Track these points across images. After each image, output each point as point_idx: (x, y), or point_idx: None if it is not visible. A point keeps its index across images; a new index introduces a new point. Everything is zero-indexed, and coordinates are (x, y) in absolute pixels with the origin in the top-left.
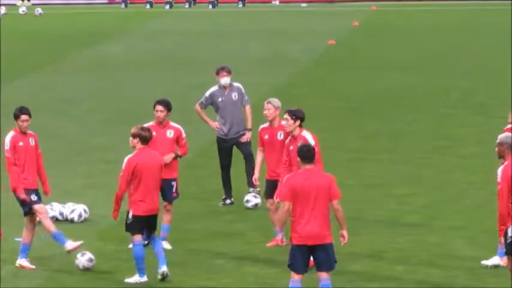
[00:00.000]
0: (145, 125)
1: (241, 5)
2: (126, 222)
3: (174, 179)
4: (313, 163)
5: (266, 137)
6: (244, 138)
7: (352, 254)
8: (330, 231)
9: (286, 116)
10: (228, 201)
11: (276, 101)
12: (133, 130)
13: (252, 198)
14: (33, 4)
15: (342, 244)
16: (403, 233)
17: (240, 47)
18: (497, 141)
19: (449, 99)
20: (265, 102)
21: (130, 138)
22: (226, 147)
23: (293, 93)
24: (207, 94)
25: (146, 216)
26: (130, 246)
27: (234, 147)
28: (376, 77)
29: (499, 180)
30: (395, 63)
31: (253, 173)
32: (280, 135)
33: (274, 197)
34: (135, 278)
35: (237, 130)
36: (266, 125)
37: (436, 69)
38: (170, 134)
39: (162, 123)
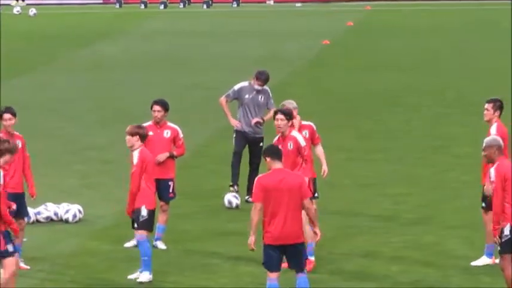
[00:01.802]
0: (146, 124)
1: (235, 5)
2: (138, 219)
3: (171, 179)
4: (281, 162)
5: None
6: (253, 121)
7: (346, 253)
8: (302, 231)
9: (279, 115)
10: (236, 188)
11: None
12: (131, 129)
13: (233, 199)
14: (27, 4)
15: (316, 240)
16: (398, 233)
17: (235, 47)
18: (485, 145)
19: (445, 99)
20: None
21: (128, 137)
22: (243, 137)
23: (288, 92)
24: (235, 87)
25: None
26: (128, 245)
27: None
28: (371, 77)
29: (492, 179)
30: (390, 63)
31: None
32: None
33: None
34: (147, 277)
35: (254, 130)
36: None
37: (431, 69)
38: (167, 134)
39: (159, 124)
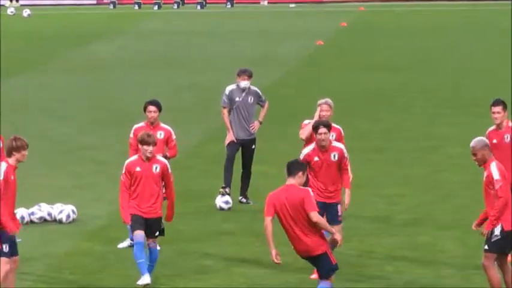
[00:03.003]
0: (136, 126)
1: (229, 6)
2: (162, 229)
3: None
4: (293, 177)
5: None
6: (253, 128)
7: (341, 253)
8: (321, 241)
9: (322, 129)
10: (227, 190)
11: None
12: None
13: (224, 205)
14: (21, 5)
15: (339, 246)
16: (392, 233)
17: (229, 47)
18: (475, 148)
19: (440, 99)
20: (323, 103)
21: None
22: (235, 143)
23: (282, 93)
24: (226, 92)
25: None
26: (122, 245)
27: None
28: (365, 77)
29: (497, 178)
30: (384, 64)
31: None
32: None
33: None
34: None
35: (249, 132)
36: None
37: (426, 69)
38: (160, 135)
39: (153, 124)
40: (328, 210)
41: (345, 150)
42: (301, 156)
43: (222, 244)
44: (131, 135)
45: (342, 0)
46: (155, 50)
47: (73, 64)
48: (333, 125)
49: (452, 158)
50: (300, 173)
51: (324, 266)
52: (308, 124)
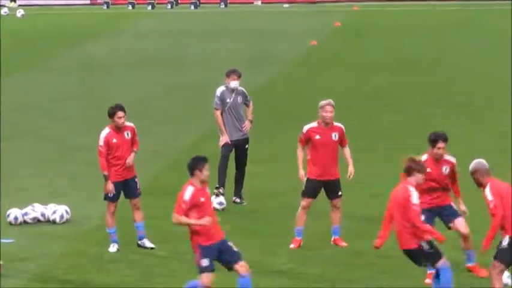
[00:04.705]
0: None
1: (223, 6)
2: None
3: (136, 176)
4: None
5: (317, 137)
6: (246, 127)
7: (332, 254)
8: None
9: (443, 144)
10: (221, 190)
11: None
12: None
13: (217, 206)
14: (19, 5)
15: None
16: None
17: (223, 47)
18: (470, 170)
19: (433, 99)
20: (328, 104)
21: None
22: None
23: (276, 93)
24: (218, 94)
25: None
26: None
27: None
28: (358, 77)
29: (490, 199)
30: (377, 64)
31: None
32: (335, 136)
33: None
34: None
35: (242, 132)
36: (315, 124)
37: (419, 69)
38: (128, 135)
39: (120, 128)
40: None
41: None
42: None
43: None
44: (101, 143)
45: (335, 0)
46: (149, 50)
47: (67, 64)
48: (335, 123)
49: None
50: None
51: None
52: (307, 131)
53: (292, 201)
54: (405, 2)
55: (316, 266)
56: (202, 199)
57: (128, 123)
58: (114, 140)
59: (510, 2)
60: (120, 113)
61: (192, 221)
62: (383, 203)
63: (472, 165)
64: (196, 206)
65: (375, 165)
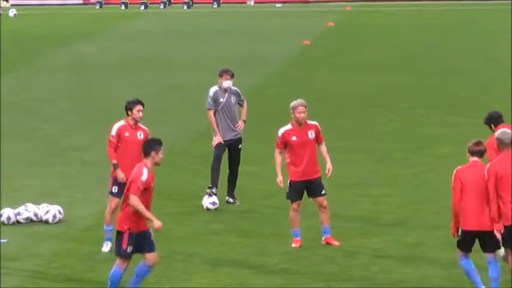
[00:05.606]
0: (117, 125)
1: (216, 6)
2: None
3: None
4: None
5: (294, 138)
6: (239, 127)
7: (327, 254)
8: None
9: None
10: (214, 190)
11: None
12: None
13: (210, 206)
14: (12, 5)
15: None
16: (378, 233)
17: (216, 47)
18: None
19: (426, 100)
20: (300, 105)
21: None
22: (222, 144)
23: (268, 93)
24: (211, 94)
25: None
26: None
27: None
28: (352, 77)
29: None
30: (371, 64)
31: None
32: (311, 134)
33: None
34: None
35: (235, 132)
36: (290, 126)
37: (412, 69)
38: (140, 135)
39: (136, 124)
40: None
41: None
42: None
43: (209, 244)
44: (113, 133)
45: (328, 0)
46: (142, 50)
47: (59, 64)
48: (309, 121)
49: (438, 158)
50: None
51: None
52: (282, 134)
53: (286, 201)
54: (398, 2)
55: (310, 266)
56: (152, 184)
57: (142, 126)
58: (127, 134)
59: (484, 2)
60: (139, 106)
61: (147, 214)
62: (376, 203)
63: (501, 132)
64: (146, 190)
65: (368, 166)
